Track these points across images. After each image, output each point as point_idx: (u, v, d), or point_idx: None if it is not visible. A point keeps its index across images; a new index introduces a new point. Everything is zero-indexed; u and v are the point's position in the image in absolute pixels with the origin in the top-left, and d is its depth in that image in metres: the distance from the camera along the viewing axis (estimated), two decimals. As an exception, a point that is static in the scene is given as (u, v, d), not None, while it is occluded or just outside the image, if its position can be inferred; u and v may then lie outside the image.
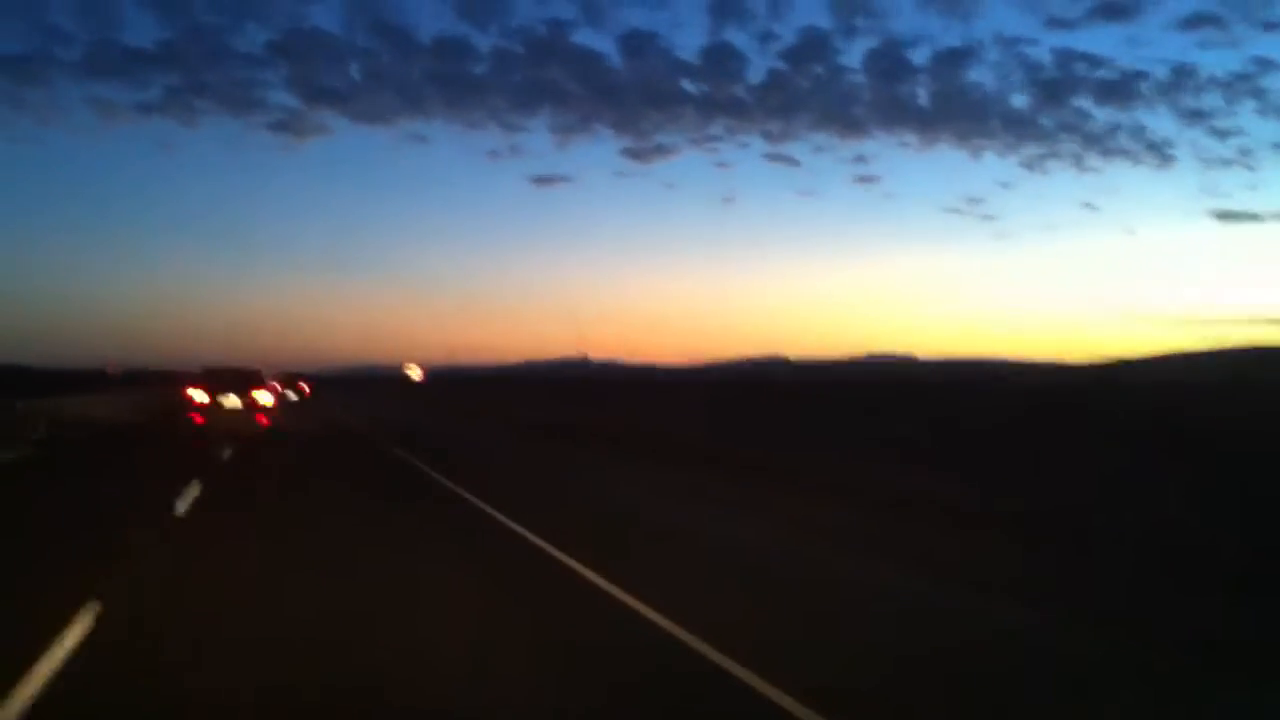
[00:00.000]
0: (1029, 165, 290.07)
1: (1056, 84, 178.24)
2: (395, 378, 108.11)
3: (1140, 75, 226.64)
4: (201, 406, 28.44)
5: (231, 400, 28.66)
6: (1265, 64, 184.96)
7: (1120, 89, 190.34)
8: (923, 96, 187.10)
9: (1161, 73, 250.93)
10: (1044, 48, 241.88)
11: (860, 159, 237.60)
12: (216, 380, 28.98)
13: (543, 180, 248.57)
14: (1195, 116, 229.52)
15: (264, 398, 29.52)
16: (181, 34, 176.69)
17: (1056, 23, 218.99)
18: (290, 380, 68.64)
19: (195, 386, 28.85)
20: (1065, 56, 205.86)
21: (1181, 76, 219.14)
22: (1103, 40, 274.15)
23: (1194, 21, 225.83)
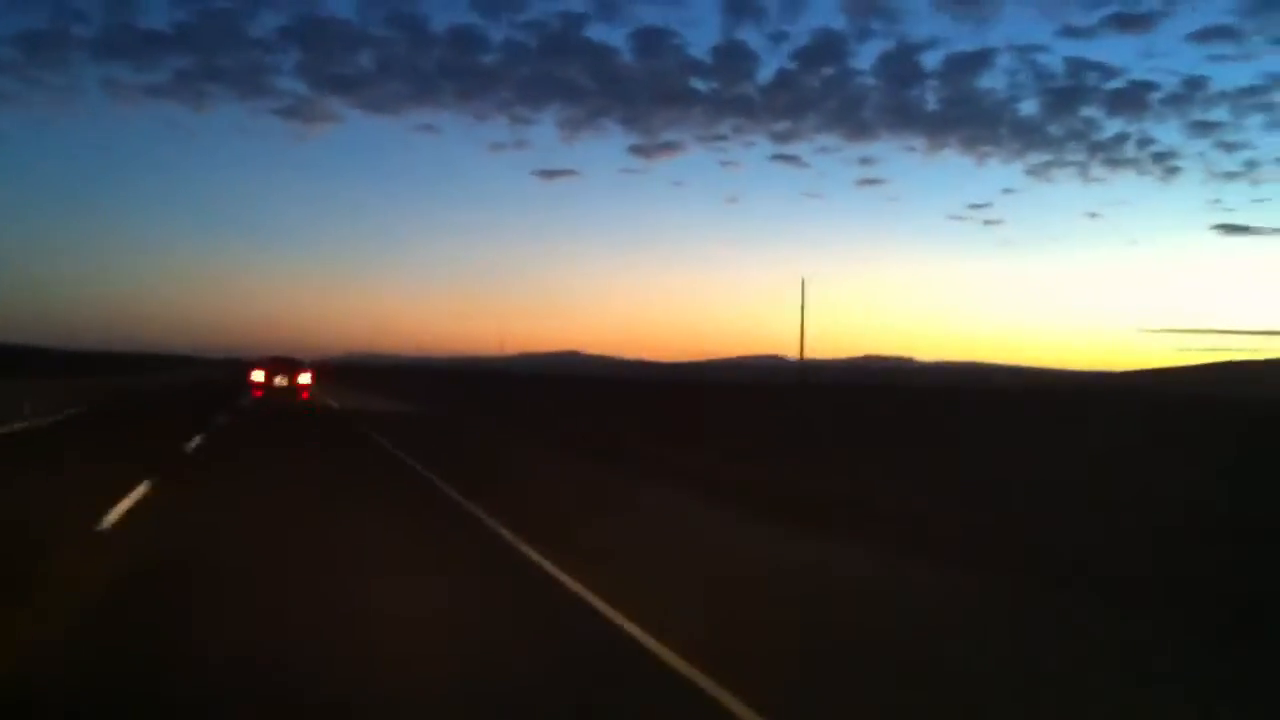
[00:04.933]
0: (1034, 173, 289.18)
1: (1067, 92, 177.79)
2: (395, 367, 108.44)
3: (1151, 86, 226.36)
4: (261, 384, 37.65)
5: (281, 379, 37.56)
6: (1276, 79, 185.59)
7: (1130, 99, 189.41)
8: (932, 101, 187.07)
9: (1172, 84, 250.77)
10: (1057, 56, 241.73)
11: (866, 161, 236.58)
12: (272, 365, 38.17)
13: (548, 174, 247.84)
14: (1203, 129, 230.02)
15: (305, 379, 38.15)
16: (195, 17, 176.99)
17: (1071, 31, 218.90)
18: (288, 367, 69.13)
19: (257, 369, 38.10)
20: (1078, 65, 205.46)
21: (1192, 89, 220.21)
22: (1116, 50, 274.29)
23: (1207, 34, 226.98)
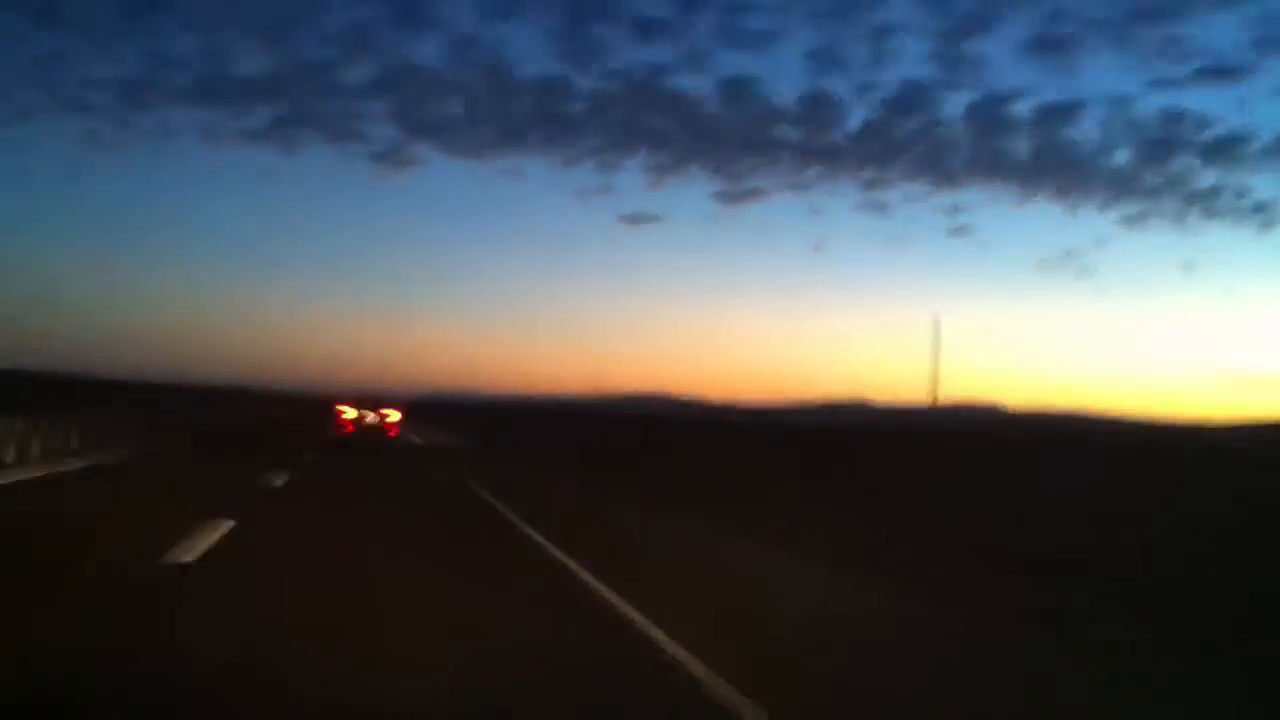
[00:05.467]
0: (1128, 223, 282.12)
1: (1160, 143, 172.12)
2: (483, 406, 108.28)
3: (1247, 137, 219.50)
4: (349, 421, 39.04)
5: (371, 416, 39.14)
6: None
7: (1225, 149, 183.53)
8: (1022, 150, 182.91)
9: (1268, 135, 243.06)
10: (1150, 105, 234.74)
11: (955, 209, 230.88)
12: (361, 402, 40.00)
13: (634, 219, 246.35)
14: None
15: (393, 416, 39.84)
16: (287, 66, 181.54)
17: (1162, 83, 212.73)
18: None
19: (345, 405, 39.46)
20: (1170, 115, 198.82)
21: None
22: (1209, 101, 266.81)
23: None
